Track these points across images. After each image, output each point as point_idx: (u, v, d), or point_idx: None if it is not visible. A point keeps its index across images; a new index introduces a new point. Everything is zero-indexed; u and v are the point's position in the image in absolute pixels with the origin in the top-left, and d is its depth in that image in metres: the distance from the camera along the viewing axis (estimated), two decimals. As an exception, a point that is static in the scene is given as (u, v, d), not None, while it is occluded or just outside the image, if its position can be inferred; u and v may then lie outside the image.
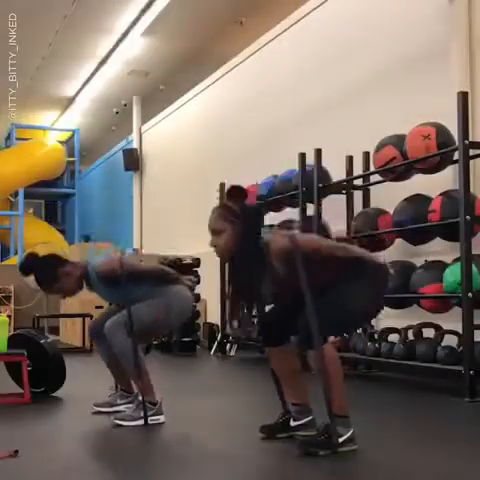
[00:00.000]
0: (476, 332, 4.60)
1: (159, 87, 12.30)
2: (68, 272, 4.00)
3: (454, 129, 4.81)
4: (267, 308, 3.46)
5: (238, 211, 3.12)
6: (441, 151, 5.00)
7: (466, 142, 4.66)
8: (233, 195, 3.18)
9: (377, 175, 5.85)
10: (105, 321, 3.90)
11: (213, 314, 8.97)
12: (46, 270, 4.00)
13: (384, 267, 3.18)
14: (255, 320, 3.48)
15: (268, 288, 3.17)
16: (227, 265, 3.31)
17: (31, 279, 4.04)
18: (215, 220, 3.17)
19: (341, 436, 2.99)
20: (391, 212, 5.62)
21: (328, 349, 3.07)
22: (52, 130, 15.62)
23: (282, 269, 3.05)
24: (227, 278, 3.34)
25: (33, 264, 4.02)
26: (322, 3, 7.39)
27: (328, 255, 3.08)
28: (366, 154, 6.11)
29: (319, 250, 3.09)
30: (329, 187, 6.34)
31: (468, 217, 4.61)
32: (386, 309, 5.95)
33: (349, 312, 3.10)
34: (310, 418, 3.32)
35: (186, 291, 4.05)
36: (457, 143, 4.75)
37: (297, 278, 3.01)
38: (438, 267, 5.05)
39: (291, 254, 3.01)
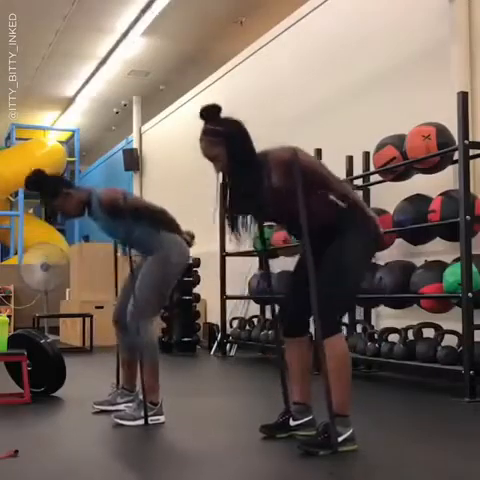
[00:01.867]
0: (476, 332, 4.60)
1: (159, 87, 12.30)
2: (70, 194, 4.01)
3: (454, 129, 4.81)
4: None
5: (220, 128, 3.08)
6: (441, 151, 5.00)
7: (466, 142, 4.66)
8: (208, 115, 3.13)
9: (377, 175, 5.85)
10: (126, 308, 3.87)
11: (213, 314, 8.97)
12: (50, 185, 4.02)
13: (376, 223, 3.16)
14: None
15: (267, 202, 3.11)
16: (226, 182, 3.27)
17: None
18: (206, 148, 3.14)
19: (340, 435, 2.99)
20: (391, 212, 5.61)
21: (340, 344, 3.05)
22: (52, 130, 15.62)
23: (279, 180, 3.00)
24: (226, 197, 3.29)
25: (40, 178, 4.03)
26: (322, 3, 7.39)
27: (328, 183, 3.07)
28: (366, 154, 6.11)
29: (320, 172, 3.08)
30: (329, 187, 6.33)
31: (468, 217, 4.61)
32: (386, 309, 5.97)
33: (349, 274, 3.08)
34: (310, 418, 3.32)
35: (180, 240, 4.00)
36: (457, 143, 4.75)
37: (294, 193, 2.96)
38: (438, 267, 5.05)
39: (291, 167, 2.97)
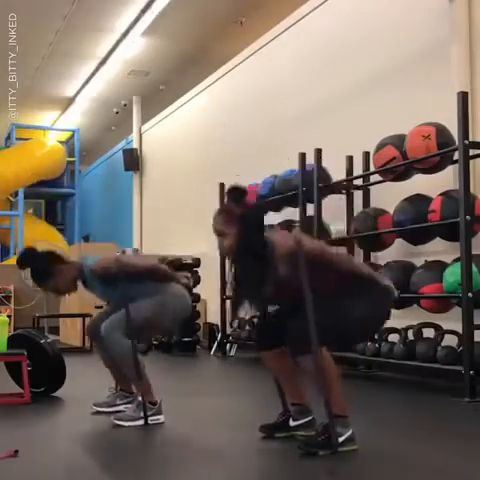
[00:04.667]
0: (476, 332, 4.60)
1: (159, 87, 12.30)
2: (63, 270, 4.00)
3: (454, 129, 4.81)
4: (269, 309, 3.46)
5: (239, 211, 3.12)
6: (441, 151, 5.00)
7: (466, 142, 4.67)
8: (233, 196, 3.18)
9: (377, 175, 5.85)
10: (103, 321, 3.90)
11: (213, 314, 8.97)
12: (42, 266, 3.99)
13: (389, 289, 3.17)
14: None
15: (270, 289, 3.17)
16: (230, 264, 3.31)
17: (28, 275, 4.05)
18: (219, 223, 3.18)
19: (340, 436, 2.99)
20: (391, 212, 5.61)
21: (323, 353, 3.07)
22: (52, 130, 15.61)
23: (285, 270, 3.04)
24: (229, 278, 3.34)
25: (30, 258, 4.03)
26: (322, 3, 7.39)
27: (332, 264, 3.08)
28: (366, 154, 6.11)
29: (324, 257, 3.09)
30: (329, 187, 6.34)
31: (468, 217, 4.61)
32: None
33: (347, 325, 3.10)
34: (309, 418, 3.32)
35: (182, 289, 4.03)
36: (457, 143, 4.75)
37: (299, 281, 3.00)
38: (438, 267, 5.05)
39: (295, 256, 3.00)
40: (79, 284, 4.12)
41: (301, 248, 3.02)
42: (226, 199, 3.22)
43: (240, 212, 3.12)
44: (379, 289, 3.14)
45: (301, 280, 3.00)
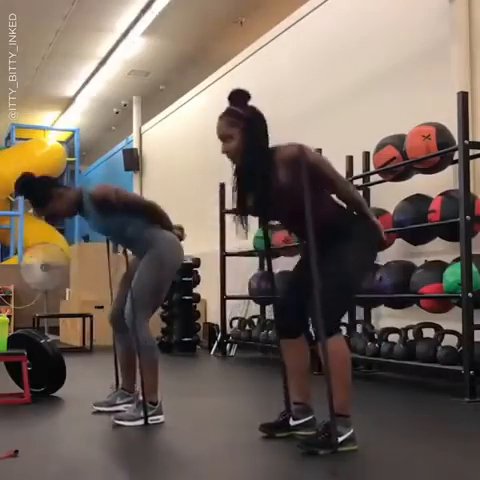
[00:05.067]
0: (476, 332, 4.60)
1: (159, 87, 12.30)
2: (62, 194, 3.96)
3: (454, 129, 4.81)
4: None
5: (244, 113, 3.10)
6: (441, 151, 5.00)
7: (466, 142, 4.67)
8: (236, 99, 3.14)
9: (377, 175, 5.85)
10: (123, 308, 3.85)
11: (213, 314, 8.98)
12: (39, 190, 3.96)
13: (378, 227, 3.16)
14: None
15: (272, 196, 3.10)
16: (234, 169, 3.27)
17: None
18: (223, 126, 3.14)
19: (341, 435, 2.99)
20: (391, 212, 5.62)
21: (340, 344, 3.05)
22: (52, 130, 15.61)
23: (285, 175, 3.00)
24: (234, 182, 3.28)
25: (28, 182, 3.98)
26: (322, 3, 7.39)
27: (333, 182, 3.08)
28: (366, 154, 6.11)
29: (327, 172, 3.07)
30: (329, 187, 6.34)
31: (468, 217, 4.61)
32: (386, 309, 5.97)
33: (349, 275, 3.08)
34: (310, 418, 3.32)
35: (173, 237, 3.98)
36: (457, 143, 4.75)
37: (298, 190, 2.96)
38: (438, 267, 5.05)
39: (298, 162, 2.98)
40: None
41: (304, 156, 2.99)
42: (229, 102, 3.16)
43: (246, 114, 3.09)
44: (372, 226, 3.13)
45: (302, 190, 2.96)
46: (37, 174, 4.07)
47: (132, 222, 3.87)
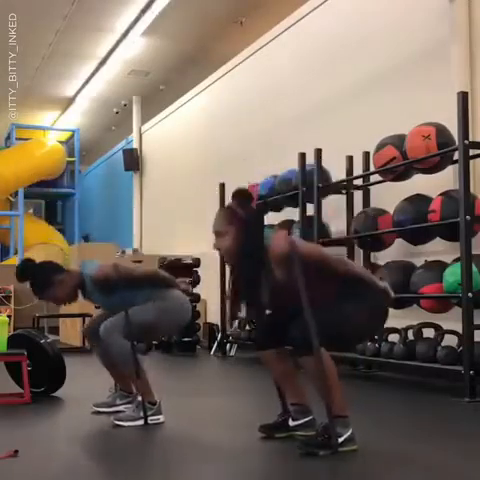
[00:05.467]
0: (476, 332, 4.60)
1: (159, 87, 12.30)
2: (63, 280, 3.99)
3: (454, 129, 4.81)
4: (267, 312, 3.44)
5: (243, 215, 3.12)
6: (441, 151, 5.00)
7: (466, 142, 4.66)
8: (239, 198, 3.17)
9: (377, 175, 5.85)
10: (101, 322, 3.89)
11: (213, 314, 8.97)
12: (41, 277, 3.99)
13: (385, 292, 3.16)
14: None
15: (268, 293, 3.16)
16: (229, 267, 3.31)
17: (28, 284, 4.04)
18: (219, 222, 3.18)
19: (340, 436, 2.99)
20: (391, 212, 5.61)
21: (323, 351, 3.07)
22: (52, 130, 15.61)
23: (281, 273, 3.04)
24: (228, 279, 3.34)
25: (29, 270, 4.02)
26: (322, 3, 7.39)
27: (330, 267, 3.08)
28: (366, 154, 6.11)
29: (320, 259, 3.08)
30: (329, 187, 6.34)
31: (468, 217, 4.61)
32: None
33: (346, 327, 3.09)
34: (309, 418, 3.32)
35: (182, 296, 4.04)
36: (457, 143, 4.75)
37: (295, 284, 2.99)
38: (438, 267, 5.05)
39: (290, 259, 3.00)
40: (79, 295, 4.10)
41: (295, 251, 3.00)
42: (232, 200, 3.19)
43: (244, 215, 3.11)
44: (376, 291, 3.14)
45: (298, 283, 2.99)
46: (38, 258, 4.14)
47: (139, 293, 3.89)
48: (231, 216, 3.14)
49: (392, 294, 3.22)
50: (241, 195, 3.18)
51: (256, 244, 3.10)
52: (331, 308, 3.05)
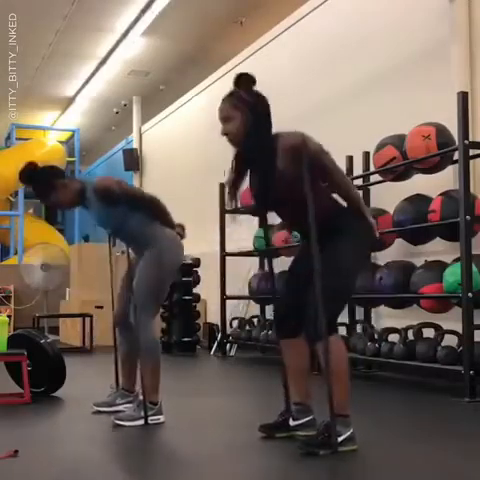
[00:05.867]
0: (476, 332, 4.60)
1: (159, 87, 12.30)
2: (66, 184, 3.98)
3: (454, 129, 4.81)
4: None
5: (248, 98, 3.09)
6: (441, 151, 5.00)
7: (466, 142, 4.67)
8: (242, 82, 3.13)
9: (377, 175, 5.85)
10: (127, 309, 3.87)
11: (213, 314, 8.97)
12: (44, 180, 3.98)
13: (373, 227, 3.15)
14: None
15: (273, 183, 3.09)
16: (234, 155, 3.26)
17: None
18: (226, 107, 3.13)
19: (341, 435, 2.98)
20: (391, 212, 5.61)
21: (338, 344, 3.05)
22: (52, 130, 15.61)
23: (285, 164, 2.99)
24: (231, 165, 3.28)
25: (32, 172, 4.00)
26: (322, 3, 7.39)
27: (333, 175, 3.07)
28: (366, 154, 6.12)
29: (327, 163, 3.05)
30: (329, 187, 6.34)
31: (468, 217, 4.61)
32: (386, 309, 5.96)
33: (346, 274, 3.09)
34: (310, 418, 3.31)
35: (177, 238, 3.99)
36: (457, 143, 4.75)
37: (300, 182, 2.95)
38: (438, 267, 5.05)
39: (299, 151, 2.96)
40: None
41: (307, 145, 2.98)
42: (235, 85, 3.15)
43: (250, 98, 3.09)
44: (366, 224, 3.12)
45: (302, 180, 2.95)
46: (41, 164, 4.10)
47: (134, 216, 3.88)
48: (237, 100, 3.10)
49: (377, 233, 3.20)
50: (244, 79, 3.14)
51: (264, 128, 3.07)
52: (332, 242, 3.03)
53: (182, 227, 4.19)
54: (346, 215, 3.13)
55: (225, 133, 3.14)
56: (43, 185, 3.99)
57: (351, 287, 3.27)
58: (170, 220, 4.01)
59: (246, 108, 3.09)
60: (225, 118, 3.13)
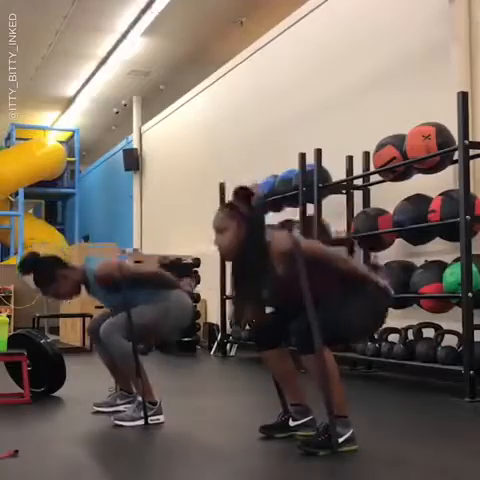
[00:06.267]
0: (476, 332, 4.60)
1: (159, 87, 12.30)
2: (66, 275, 4.00)
3: (454, 129, 4.81)
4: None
5: (245, 211, 3.11)
6: (441, 151, 5.00)
7: (466, 142, 4.66)
8: (240, 195, 3.16)
9: (377, 175, 5.85)
10: (103, 321, 3.90)
11: (213, 314, 8.97)
12: (45, 271, 3.99)
13: (386, 290, 3.16)
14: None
15: (270, 290, 3.16)
16: (231, 265, 3.29)
17: (30, 279, 4.04)
18: (220, 219, 3.16)
19: (341, 436, 2.99)
20: (391, 212, 5.62)
21: (326, 351, 3.07)
22: (52, 130, 15.61)
23: (283, 271, 3.04)
24: (230, 279, 3.34)
25: (33, 263, 4.02)
26: (322, 3, 7.39)
27: (331, 263, 3.07)
28: (366, 154, 6.11)
29: (321, 256, 3.08)
30: (329, 187, 6.34)
31: (468, 217, 4.61)
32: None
33: (347, 325, 3.10)
34: (309, 418, 3.32)
35: (185, 297, 4.04)
36: (457, 143, 4.75)
37: (297, 281, 3.00)
38: (438, 267, 5.06)
39: (292, 256, 3.00)
40: (82, 290, 4.11)
41: (298, 247, 3.01)
42: (233, 197, 3.18)
43: (246, 212, 3.11)
44: (377, 289, 3.14)
45: (299, 279, 2.99)
46: (42, 252, 4.15)
47: (141, 293, 3.89)
48: (233, 212, 3.13)
49: (392, 292, 3.22)
50: (242, 193, 3.17)
51: (258, 240, 3.09)
52: (333, 306, 3.06)
53: (190, 284, 4.22)
54: (350, 286, 3.09)
55: (218, 244, 3.17)
56: (44, 276, 4.00)
57: (350, 332, 3.22)
58: (175, 284, 4.03)
59: (241, 220, 3.09)
60: (219, 228, 3.15)
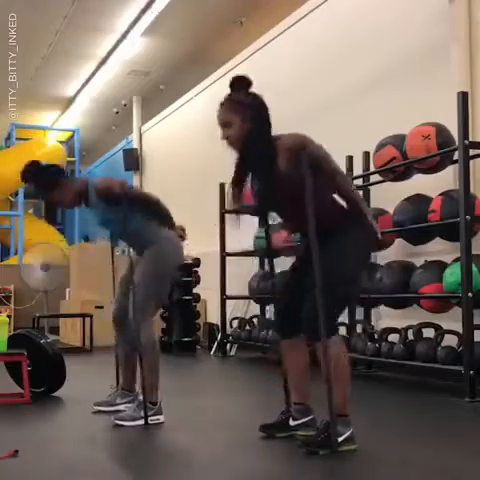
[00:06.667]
0: (476, 332, 4.60)
1: (159, 87, 12.30)
2: (67, 183, 4.00)
3: (454, 129, 4.81)
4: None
5: (245, 100, 3.08)
6: (441, 151, 5.00)
7: (466, 142, 4.67)
8: (238, 85, 3.12)
9: (377, 175, 5.85)
10: (125, 308, 3.87)
11: (213, 314, 8.97)
12: (47, 176, 3.99)
13: (374, 227, 3.13)
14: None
15: (273, 186, 3.08)
16: (236, 161, 3.25)
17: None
18: (224, 112, 3.11)
19: (340, 435, 2.99)
20: (391, 212, 5.62)
21: (338, 345, 3.06)
22: (52, 130, 15.61)
23: (285, 165, 2.97)
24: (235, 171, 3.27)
25: (36, 169, 4.01)
26: (322, 3, 7.39)
27: (334, 174, 3.04)
28: (366, 154, 6.12)
29: (327, 162, 3.03)
30: (329, 187, 6.34)
31: (468, 217, 4.61)
32: (386, 309, 5.97)
33: (347, 274, 3.09)
34: (310, 418, 3.31)
35: (177, 239, 4.02)
36: (457, 143, 4.75)
37: (300, 184, 2.95)
38: (438, 267, 5.06)
39: (299, 153, 2.95)
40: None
41: (307, 147, 2.97)
42: (231, 88, 3.14)
43: (248, 101, 3.07)
44: (368, 225, 3.10)
45: (302, 182, 2.95)
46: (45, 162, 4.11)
47: (135, 216, 3.89)
48: (235, 103, 3.09)
49: (379, 234, 3.17)
50: (240, 82, 3.12)
51: (264, 126, 3.07)
52: (333, 244, 3.04)
53: (182, 229, 4.20)
54: (347, 217, 3.12)
55: (225, 137, 3.13)
56: (46, 182, 4.01)
57: (352, 290, 3.28)
58: (171, 221, 4.03)
59: (244, 111, 3.07)
60: (224, 123, 3.12)
